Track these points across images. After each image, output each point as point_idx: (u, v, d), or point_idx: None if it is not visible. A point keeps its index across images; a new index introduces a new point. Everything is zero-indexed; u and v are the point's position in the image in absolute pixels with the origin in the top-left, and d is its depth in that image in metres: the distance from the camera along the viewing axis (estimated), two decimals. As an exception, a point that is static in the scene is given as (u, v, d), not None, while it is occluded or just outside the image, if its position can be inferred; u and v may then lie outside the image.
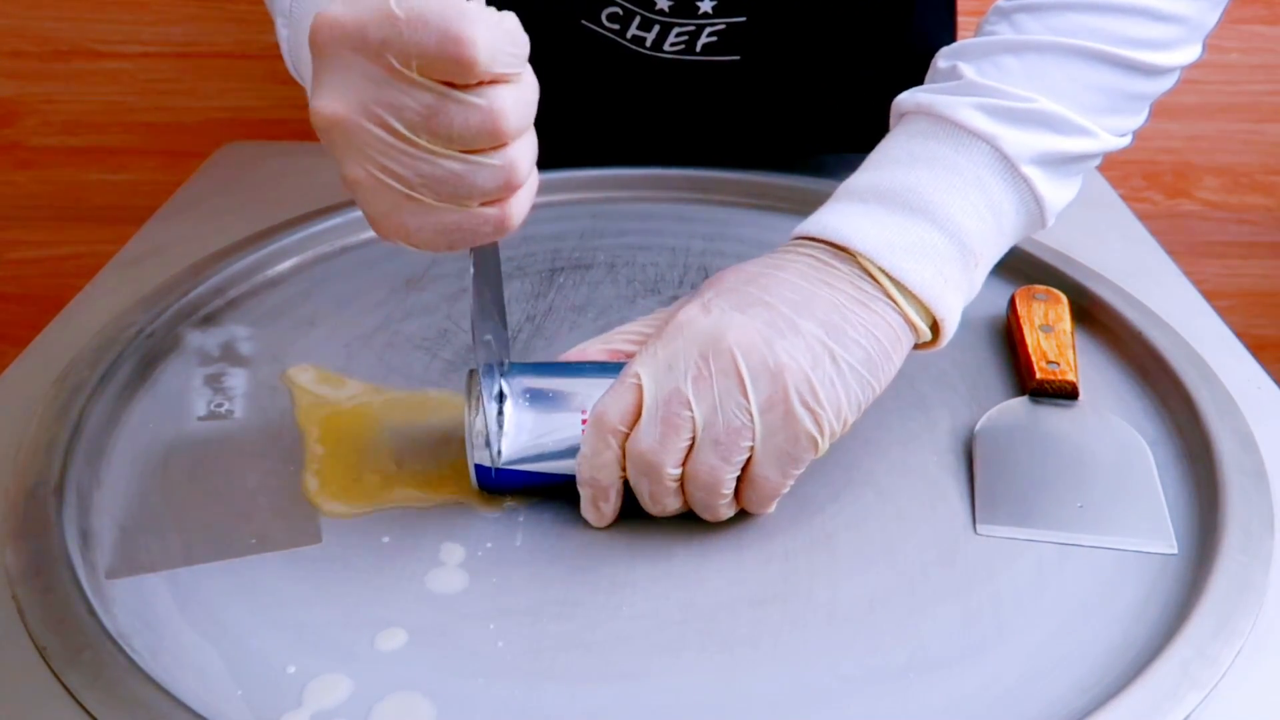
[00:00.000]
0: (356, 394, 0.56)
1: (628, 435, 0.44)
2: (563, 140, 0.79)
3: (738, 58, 0.73)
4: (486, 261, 0.43)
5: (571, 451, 0.46)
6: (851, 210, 0.48)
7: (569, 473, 0.46)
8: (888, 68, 0.75)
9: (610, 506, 0.46)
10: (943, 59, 0.52)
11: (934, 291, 0.47)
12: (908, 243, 0.47)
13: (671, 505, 0.46)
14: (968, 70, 0.50)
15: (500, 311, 0.45)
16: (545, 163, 0.79)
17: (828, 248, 0.48)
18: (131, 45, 1.15)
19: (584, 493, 0.46)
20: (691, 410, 0.43)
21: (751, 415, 0.43)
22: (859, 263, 0.47)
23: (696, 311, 0.45)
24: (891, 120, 0.53)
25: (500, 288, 0.45)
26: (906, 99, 0.51)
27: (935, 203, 0.47)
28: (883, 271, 0.46)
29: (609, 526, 0.48)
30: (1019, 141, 0.48)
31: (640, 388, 0.44)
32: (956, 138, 0.48)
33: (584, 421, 0.46)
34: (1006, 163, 0.48)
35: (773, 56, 0.74)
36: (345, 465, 0.51)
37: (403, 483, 0.50)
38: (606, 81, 0.76)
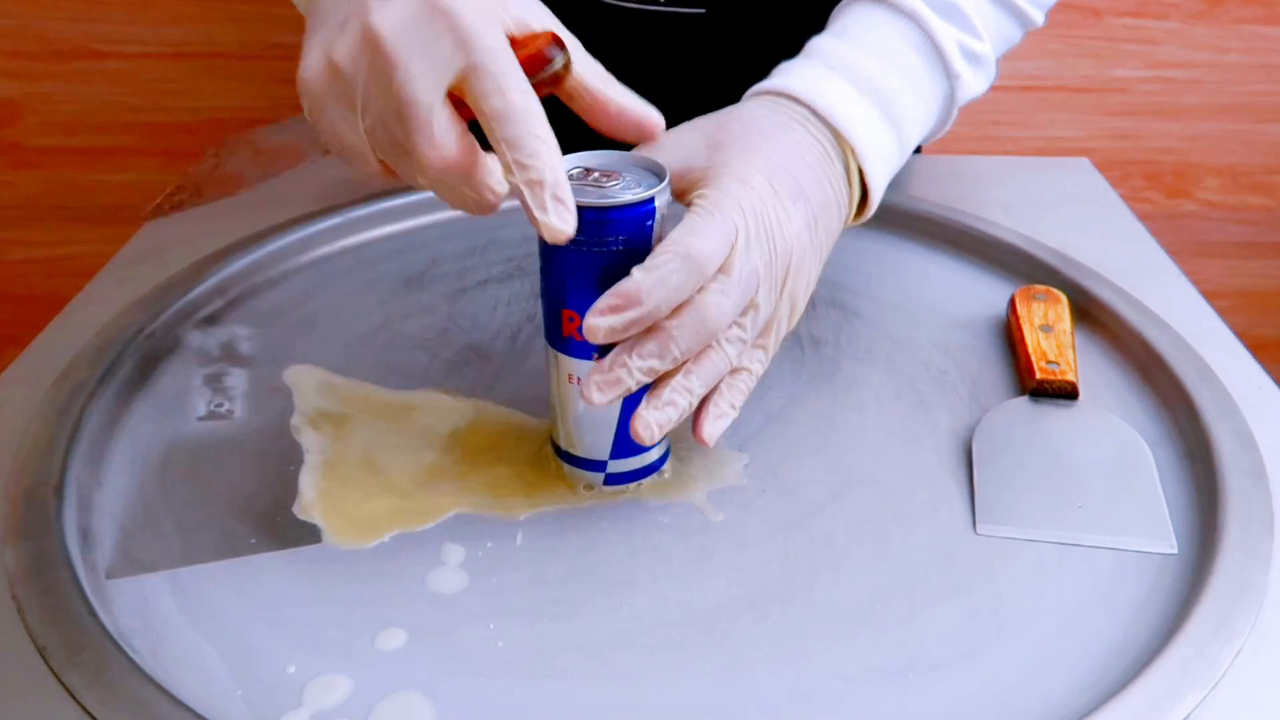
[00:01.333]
0: (357, 402, 0.56)
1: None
2: None
3: (703, 11, 0.73)
4: None
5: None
6: (860, 108, 0.52)
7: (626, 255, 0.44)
8: None
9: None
10: None
11: (878, 194, 0.53)
12: (889, 155, 0.53)
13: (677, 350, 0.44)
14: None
15: None
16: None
17: (826, 126, 0.51)
18: (131, 45, 1.15)
19: (627, 302, 0.43)
20: (757, 302, 0.47)
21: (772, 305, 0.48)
22: (844, 150, 0.52)
23: (768, 193, 0.48)
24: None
25: None
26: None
27: (910, 124, 0.54)
28: (860, 173, 0.52)
29: (608, 526, 0.48)
30: (973, 82, 0.57)
31: (732, 256, 0.45)
32: (937, 68, 0.55)
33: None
34: (950, 86, 0.56)
35: (739, 9, 0.73)
36: (350, 505, 0.49)
37: (406, 515, 0.48)
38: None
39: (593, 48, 0.74)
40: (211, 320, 0.63)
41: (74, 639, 0.40)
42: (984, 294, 0.66)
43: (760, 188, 0.47)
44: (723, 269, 0.45)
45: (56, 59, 1.16)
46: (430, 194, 0.73)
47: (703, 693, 0.40)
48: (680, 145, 0.49)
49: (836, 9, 0.58)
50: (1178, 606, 0.43)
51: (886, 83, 0.53)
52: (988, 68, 0.57)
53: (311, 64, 0.43)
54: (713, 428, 0.46)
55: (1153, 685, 0.39)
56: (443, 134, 0.42)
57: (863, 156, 0.52)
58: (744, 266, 0.45)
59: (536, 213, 0.42)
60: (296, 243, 0.69)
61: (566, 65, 0.44)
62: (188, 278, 0.64)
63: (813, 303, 0.65)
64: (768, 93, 0.53)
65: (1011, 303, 0.62)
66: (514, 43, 0.43)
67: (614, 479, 0.49)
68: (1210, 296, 0.66)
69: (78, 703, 0.38)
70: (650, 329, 0.44)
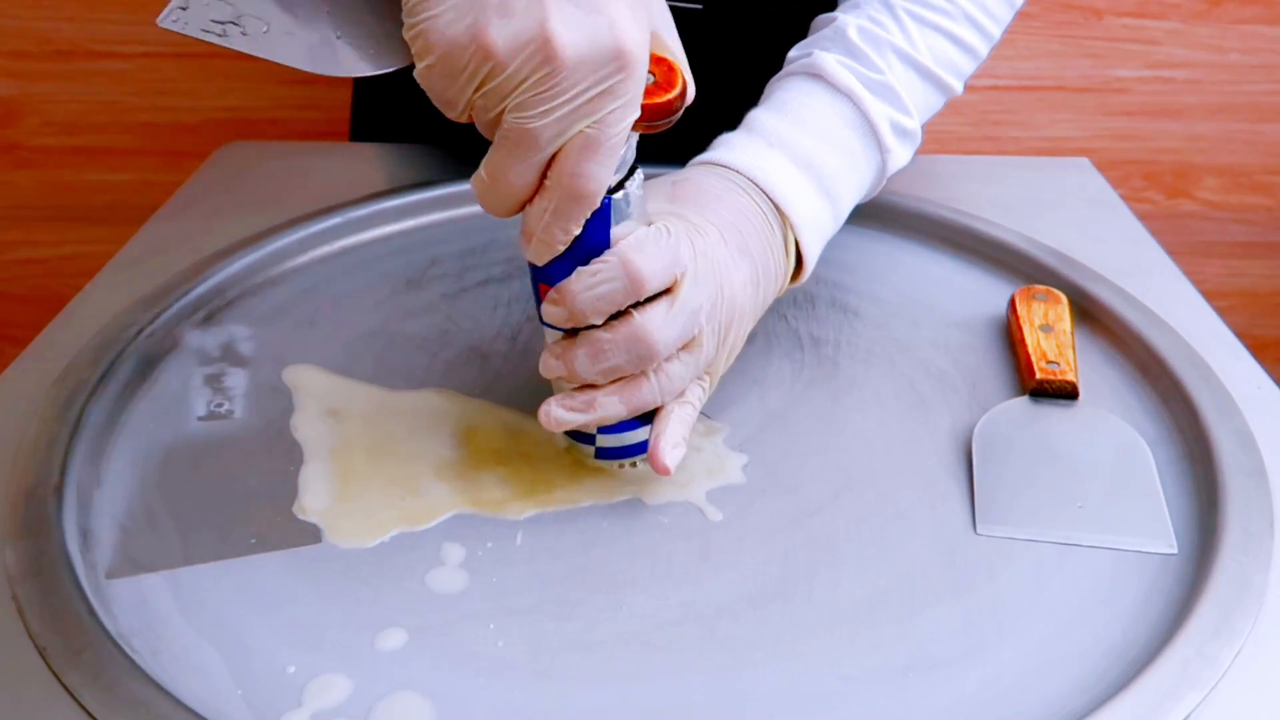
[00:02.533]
0: (357, 401, 0.56)
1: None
2: None
3: (700, 6, 0.73)
4: None
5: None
6: (799, 185, 0.55)
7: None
8: None
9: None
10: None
11: (812, 263, 0.56)
12: (824, 227, 0.56)
13: (599, 366, 0.46)
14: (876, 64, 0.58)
15: None
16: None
17: (767, 199, 0.54)
18: (131, 45, 1.15)
19: (559, 309, 0.45)
20: (702, 342, 0.48)
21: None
22: (783, 221, 0.54)
23: (718, 243, 0.50)
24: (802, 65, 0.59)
25: None
26: (834, 72, 0.57)
27: (845, 198, 0.57)
28: (796, 242, 0.54)
29: (608, 526, 0.48)
30: (902, 155, 0.60)
31: (678, 288, 0.46)
32: (870, 144, 0.58)
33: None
34: (881, 159, 0.59)
35: (737, 5, 0.74)
36: (350, 505, 0.49)
37: (406, 515, 0.48)
38: None
39: None
40: (211, 320, 0.63)
41: (74, 639, 0.40)
42: (984, 294, 0.66)
43: (713, 237, 0.49)
44: (669, 295, 0.46)
45: (56, 59, 1.16)
46: (431, 194, 0.74)
47: (703, 693, 0.40)
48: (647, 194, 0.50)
49: (775, 80, 0.60)
50: (1178, 606, 0.43)
51: (823, 160, 0.56)
52: (915, 139, 0.60)
53: (453, 33, 0.39)
54: (672, 456, 0.47)
55: (1153, 685, 0.39)
56: (534, 174, 0.42)
57: (799, 229, 0.54)
58: (690, 300, 0.47)
59: (530, 244, 0.44)
60: (296, 243, 0.69)
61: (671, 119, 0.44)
62: (188, 278, 0.64)
63: (812, 302, 0.65)
64: (711, 163, 0.55)
65: (1011, 303, 0.62)
66: (651, 89, 0.43)
67: (604, 453, 0.50)
68: (1210, 296, 0.66)
69: (78, 703, 0.38)
70: (584, 339, 0.46)
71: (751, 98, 0.64)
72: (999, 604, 0.44)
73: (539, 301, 0.47)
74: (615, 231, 0.45)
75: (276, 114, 1.21)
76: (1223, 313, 0.63)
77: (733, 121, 0.58)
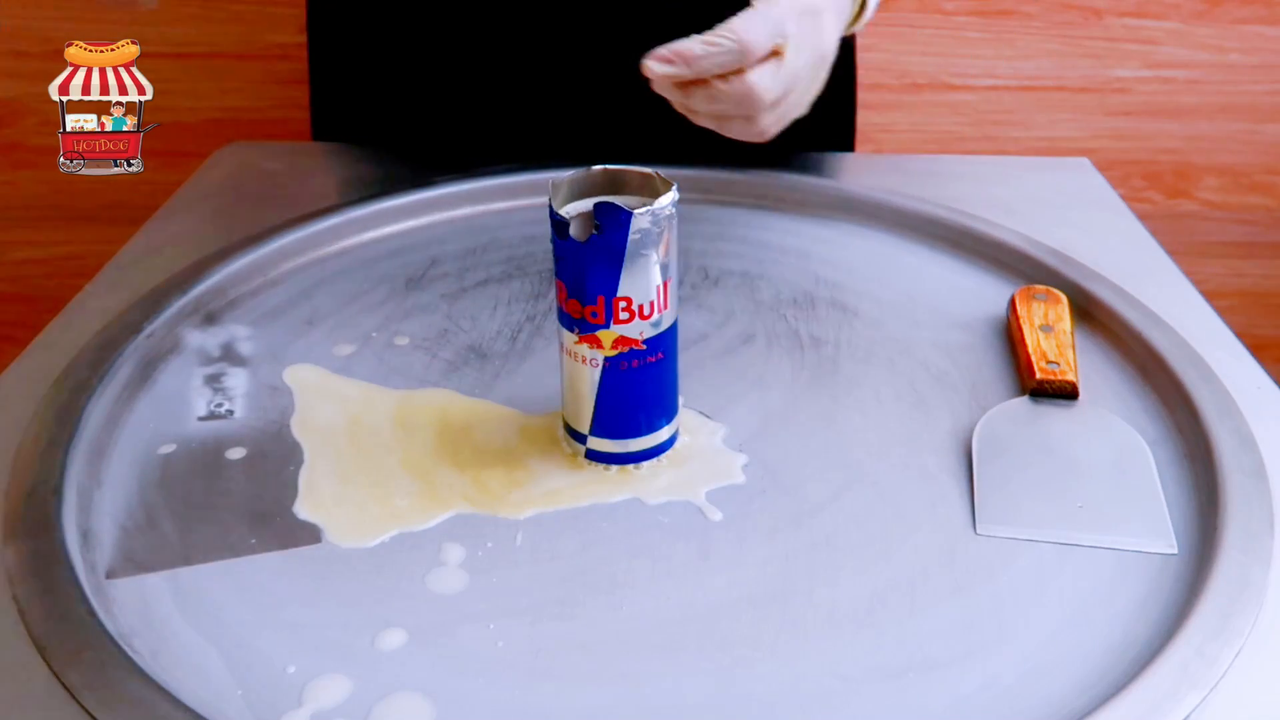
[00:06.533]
0: (357, 401, 0.56)
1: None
2: (529, 110, 0.78)
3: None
4: None
5: None
6: None
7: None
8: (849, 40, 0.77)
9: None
10: None
11: (871, 11, 0.64)
12: None
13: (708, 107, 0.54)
14: None
15: None
16: (526, 154, 0.79)
17: None
18: (131, 45, 1.15)
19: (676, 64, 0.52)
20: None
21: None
22: None
23: (824, 12, 0.57)
24: None
25: None
26: None
27: None
28: None
29: (608, 526, 0.48)
30: None
31: (784, 54, 0.54)
32: None
33: None
34: None
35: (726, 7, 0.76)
36: (350, 505, 0.49)
37: (406, 515, 0.48)
38: (561, 37, 0.75)
39: (585, 31, 0.77)
40: (211, 320, 0.63)
41: (74, 639, 0.40)
42: (984, 294, 0.66)
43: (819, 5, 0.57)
44: (777, 58, 0.53)
45: (56, 59, 1.16)
46: (431, 194, 0.74)
47: (703, 693, 0.40)
48: None
49: None
50: (1178, 606, 0.43)
51: None
52: None
53: None
54: (661, 66, 0.53)
55: (1153, 685, 0.39)
56: None
57: None
58: (793, 65, 0.54)
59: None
60: (296, 243, 0.69)
61: None
62: (188, 278, 0.64)
63: (812, 303, 0.65)
64: None
65: (1011, 303, 0.62)
66: None
67: (593, 455, 0.51)
68: (1210, 296, 0.66)
69: (78, 703, 0.38)
70: (702, 84, 0.53)
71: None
72: (999, 604, 0.44)
73: (560, 297, 0.48)
74: (624, 275, 0.46)
75: (276, 114, 1.21)
76: (1223, 313, 0.63)
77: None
